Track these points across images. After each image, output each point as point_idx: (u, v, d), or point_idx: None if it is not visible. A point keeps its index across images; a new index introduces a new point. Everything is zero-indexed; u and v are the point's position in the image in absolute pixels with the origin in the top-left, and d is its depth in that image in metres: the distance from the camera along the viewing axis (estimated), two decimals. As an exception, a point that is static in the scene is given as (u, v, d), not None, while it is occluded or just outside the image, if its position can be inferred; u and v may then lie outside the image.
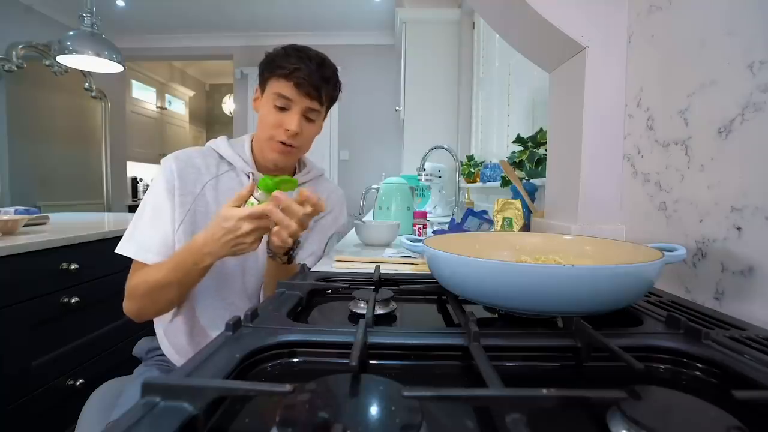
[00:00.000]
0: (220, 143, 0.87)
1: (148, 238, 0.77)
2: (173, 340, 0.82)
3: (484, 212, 1.16)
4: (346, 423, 0.22)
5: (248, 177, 0.86)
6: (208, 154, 0.85)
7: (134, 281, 0.75)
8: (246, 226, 0.63)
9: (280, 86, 0.79)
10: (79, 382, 1.33)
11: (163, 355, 0.85)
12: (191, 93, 5.79)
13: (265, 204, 0.64)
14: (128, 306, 0.76)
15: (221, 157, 0.86)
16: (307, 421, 0.22)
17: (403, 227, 1.35)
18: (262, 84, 0.84)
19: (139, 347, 0.88)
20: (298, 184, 0.74)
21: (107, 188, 3.94)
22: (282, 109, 0.80)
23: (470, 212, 1.15)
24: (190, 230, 0.78)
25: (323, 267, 0.82)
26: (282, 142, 0.81)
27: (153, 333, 0.91)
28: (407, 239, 0.57)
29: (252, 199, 0.68)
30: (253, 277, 0.85)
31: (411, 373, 0.36)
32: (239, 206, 0.66)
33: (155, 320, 0.85)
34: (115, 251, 0.78)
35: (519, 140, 1.31)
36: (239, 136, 0.91)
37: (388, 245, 1.15)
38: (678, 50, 0.62)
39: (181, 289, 0.73)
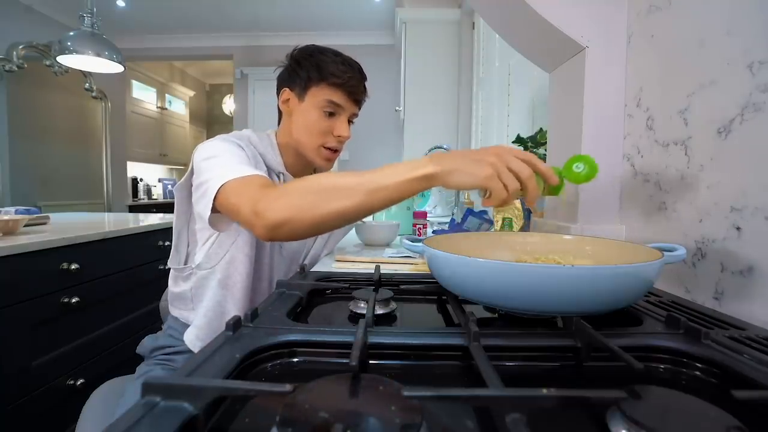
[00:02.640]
0: (256, 140, 0.83)
1: (254, 168, 0.67)
2: (199, 328, 0.80)
3: (484, 212, 1.16)
4: (346, 423, 0.22)
5: (278, 177, 0.85)
6: (249, 143, 0.81)
7: (269, 186, 0.62)
8: (511, 158, 0.51)
9: (332, 93, 0.80)
10: (80, 382, 1.33)
11: (168, 354, 0.85)
12: (191, 93, 5.79)
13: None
14: (281, 203, 0.58)
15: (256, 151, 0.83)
16: (307, 421, 0.22)
17: (403, 227, 1.34)
18: (303, 87, 0.81)
19: (143, 346, 0.88)
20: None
21: (107, 188, 3.94)
22: (330, 114, 0.81)
23: (470, 212, 1.15)
24: None
25: (323, 267, 0.82)
26: (329, 149, 0.83)
27: (157, 330, 0.91)
28: (407, 239, 0.57)
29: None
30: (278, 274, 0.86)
31: (411, 373, 0.36)
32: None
33: (182, 312, 0.85)
34: (218, 186, 0.64)
35: (519, 140, 1.31)
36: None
37: (388, 245, 1.15)
38: (678, 50, 0.62)
39: (363, 200, 0.55)
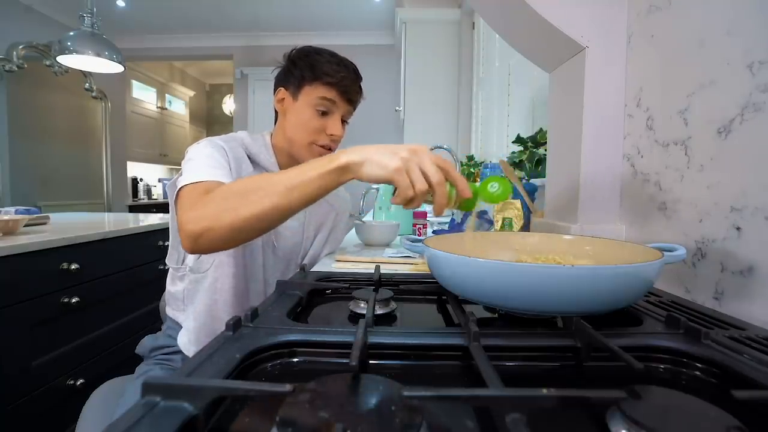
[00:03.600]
0: (249, 142, 0.84)
1: (221, 171, 0.68)
2: (192, 330, 0.80)
3: (484, 212, 1.16)
4: (346, 423, 0.22)
5: None
6: (239, 145, 0.82)
7: (210, 192, 0.60)
8: (425, 159, 0.50)
9: (325, 91, 0.80)
10: (79, 382, 1.33)
11: (167, 354, 0.85)
12: (191, 93, 5.79)
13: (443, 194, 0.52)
14: (200, 213, 0.57)
15: (246, 152, 0.83)
16: (307, 421, 0.22)
17: (403, 227, 1.34)
18: (297, 86, 0.82)
19: (143, 346, 0.88)
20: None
21: (107, 188, 3.94)
22: (323, 113, 0.81)
23: (470, 212, 1.15)
24: None
25: (323, 267, 0.82)
26: (322, 146, 0.83)
27: (156, 331, 0.91)
28: (407, 239, 0.57)
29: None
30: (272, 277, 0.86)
31: (411, 373, 0.36)
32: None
33: (174, 313, 0.85)
34: (181, 184, 0.65)
35: (519, 140, 1.31)
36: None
37: (388, 245, 1.15)
38: (678, 50, 0.62)
39: (279, 199, 0.54)
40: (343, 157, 0.52)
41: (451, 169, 0.52)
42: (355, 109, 0.87)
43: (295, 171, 0.55)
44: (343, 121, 0.86)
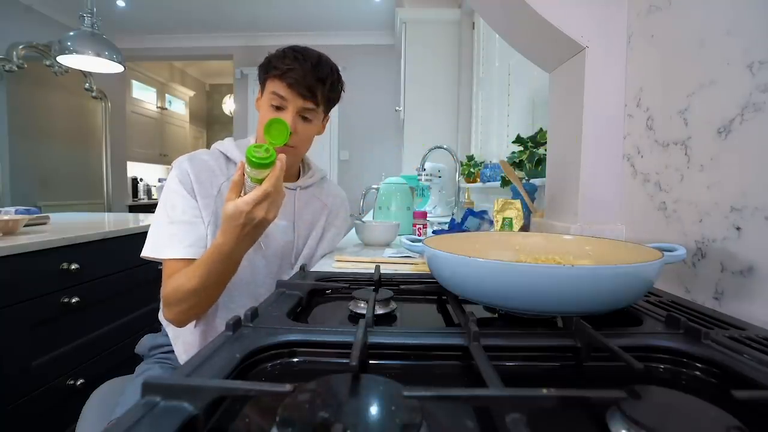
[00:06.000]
0: (227, 145, 0.87)
1: (182, 234, 0.76)
2: (186, 339, 0.82)
3: (484, 212, 1.16)
4: (346, 423, 0.22)
5: None
6: (218, 156, 0.86)
7: (168, 288, 0.73)
8: (259, 213, 0.63)
9: (276, 86, 0.80)
10: (79, 382, 1.33)
11: (166, 352, 0.85)
12: (191, 93, 5.79)
13: (268, 182, 0.63)
14: (168, 314, 0.74)
15: (228, 159, 0.86)
16: (307, 421, 0.22)
17: (403, 227, 1.34)
18: (262, 85, 0.85)
19: (142, 345, 0.88)
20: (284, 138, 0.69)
21: (107, 188, 3.94)
22: (278, 108, 0.81)
23: (470, 212, 1.15)
24: (215, 232, 0.78)
25: (323, 267, 0.82)
26: None
27: (156, 330, 0.91)
28: (407, 239, 0.57)
29: (247, 177, 0.66)
30: (267, 279, 0.86)
31: (411, 373, 0.36)
32: (238, 193, 0.65)
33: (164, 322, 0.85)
34: (143, 255, 0.77)
35: (519, 140, 1.31)
36: (239, 136, 0.92)
37: (388, 245, 1.15)
38: (678, 50, 0.62)
39: (220, 287, 0.73)
40: (237, 256, 0.69)
41: (265, 193, 0.63)
42: (318, 104, 0.81)
43: (215, 273, 0.69)
44: (304, 117, 0.82)
